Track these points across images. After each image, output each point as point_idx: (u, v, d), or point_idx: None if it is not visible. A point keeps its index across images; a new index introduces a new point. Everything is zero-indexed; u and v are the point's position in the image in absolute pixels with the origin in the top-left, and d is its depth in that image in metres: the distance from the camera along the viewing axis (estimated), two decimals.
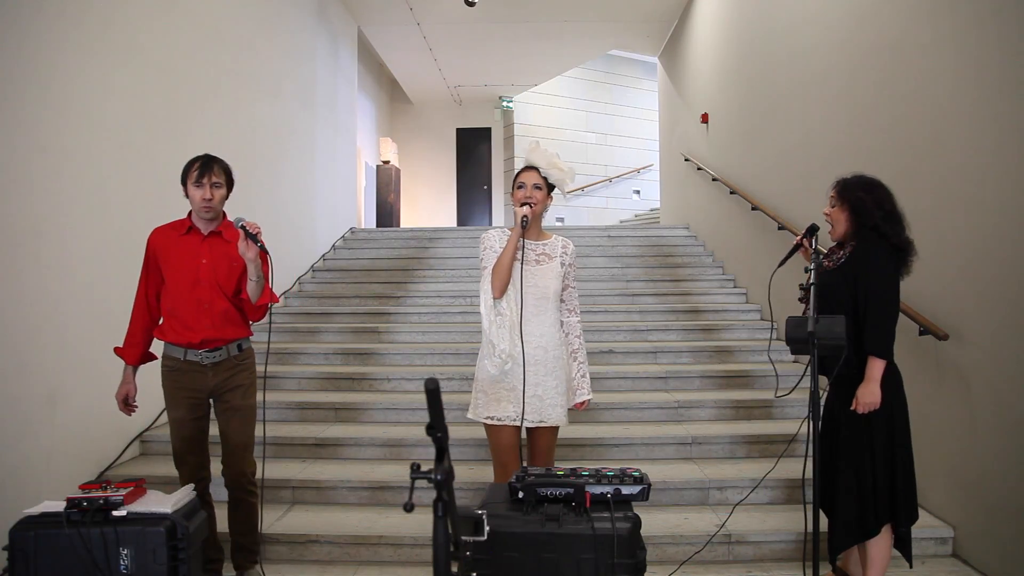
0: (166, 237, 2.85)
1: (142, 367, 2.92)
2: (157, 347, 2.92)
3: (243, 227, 2.70)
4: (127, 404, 2.88)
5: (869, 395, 2.62)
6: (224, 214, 2.93)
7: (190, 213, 2.87)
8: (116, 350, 2.89)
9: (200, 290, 2.79)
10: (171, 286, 2.80)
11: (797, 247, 2.88)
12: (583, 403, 2.90)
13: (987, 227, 3.06)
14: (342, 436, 4.20)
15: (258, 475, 2.97)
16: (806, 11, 4.98)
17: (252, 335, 2.98)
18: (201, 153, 2.88)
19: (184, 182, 2.82)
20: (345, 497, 3.74)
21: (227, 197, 2.87)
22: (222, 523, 2.99)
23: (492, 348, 2.77)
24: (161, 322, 2.87)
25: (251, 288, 2.77)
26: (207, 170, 2.78)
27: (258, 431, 2.96)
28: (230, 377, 2.86)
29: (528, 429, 2.84)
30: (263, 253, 2.70)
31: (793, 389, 2.98)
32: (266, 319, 2.90)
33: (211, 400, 2.89)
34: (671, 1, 8.66)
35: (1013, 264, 2.90)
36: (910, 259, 2.73)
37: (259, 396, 2.94)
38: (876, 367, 2.62)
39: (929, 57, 3.47)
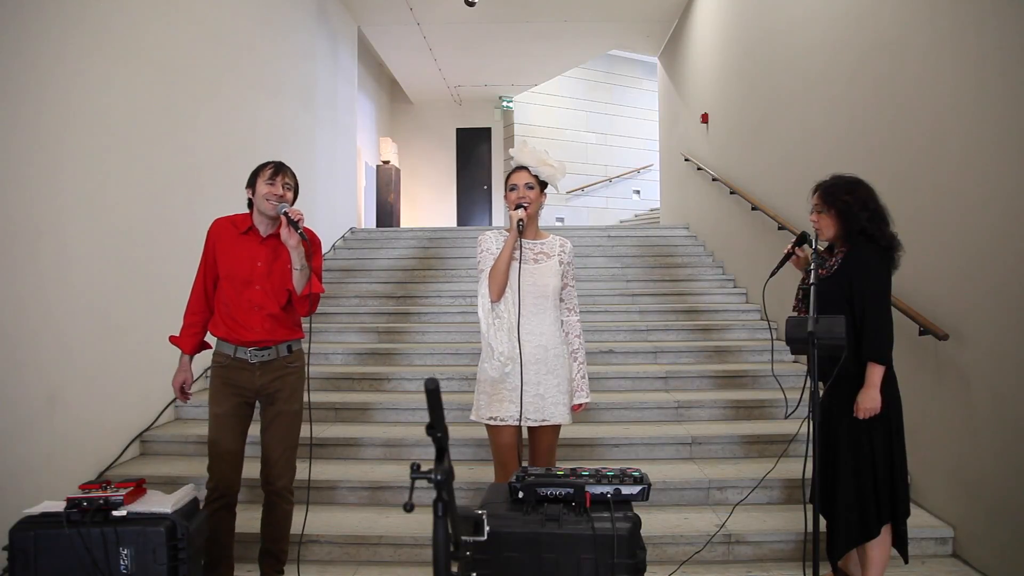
0: (225, 231, 2.85)
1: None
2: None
3: (285, 214, 2.70)
4: (183, 392, 2.87)
5: (870, 401, 2.62)
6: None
7: (251, 213, 2.87)
8: (172, 339, 2.87)
9: (252, 292, 2.78)
10: (225, 284, 2.80)
11: (788, 256, 2.87)
12: (581, 406, 2.90)
13: (987, 227, 3.06)
14: (342, 436, 4.20)
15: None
16: (806, 11, 4.98)
17: (303, 336, 2.94)
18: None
19: (253, 183, 2.83)
20: (345, 497, 3.74)
21: (292, 204, 2.86)
22: (241, 529, 2.96)
23: (491, 351, 2.76)
24: (213, 315, 2.86)
25: (295, 277, 2.75)
26: (280, 171, 2.83)
27: (304, 431, 2.92)
28: (277, 379, 2.82)
29: (530, 429, 2.84)
30: (305, 243, 2.70)
31: (794, 411, 2.94)
32: (304, 322, 2.86)
33: (257, 403, 2.87)
34: (671, 1, 8.66)
35: (1013, 264, 2.90)
36: (897, 255, 2.74)
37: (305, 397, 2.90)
38: (876, 373, 2.62)
39: (929, 57, 3.47)
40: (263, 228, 2.84)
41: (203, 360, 2.95)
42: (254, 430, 2.90)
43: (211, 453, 2.82)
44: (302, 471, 2.99)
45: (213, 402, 2.83)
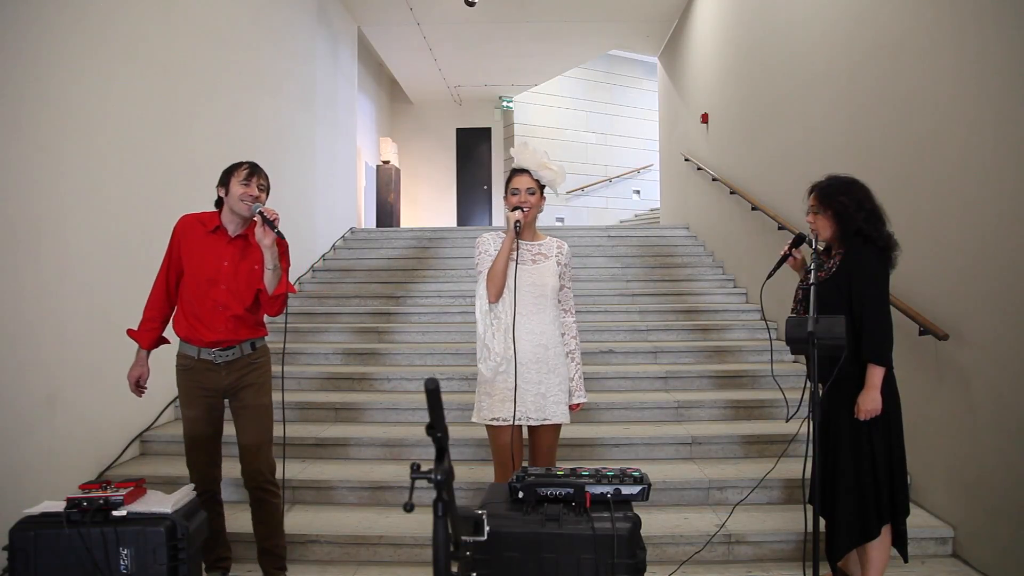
0: (192, 229, 2.82)
1: (151, 360, 2.89)
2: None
3: (261, 212, 2.69)
4: (138, 386, 2.86)
5: (870, 402, 2.62)
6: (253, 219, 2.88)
7: (219, 212, 2.84)
8: (129, 332, 2.86)
9: (217, 292, 2.76)
10: (189, 282, 2.77)
11: (785, 258, 2.86)
12: (577, 406, 2.91)
13: (987, 227, 3.06)
14: (342, 436, 4.20)
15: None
16: (806, 11, 4.98)
17: (267, 335, 2.95)
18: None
19: (226, 182, 2.80)
20: (345, 497, 3.74)
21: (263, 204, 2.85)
22: (234, 522, 2.98)
23: (487, 352, 2.79)
24: (176, 313, 2.84)
25: (267, 277, 2.74)
26: (256, 172, 2.81)
27: (289, 430, 2.94)
28: (243, 375, 2.83)
29: (530, 429, 2.85)
30: (280, 240, 2.69)
31: (795, 414, 2.91)
32: (279, 319, 2.86)
33: (226, 400, 2.88)
34: (671, 1, 8.66)
35: (1013, 264, 2.90)
36: (895, 255, 2.74)
37: (276, 396, 2.93)
38: (876, 374, 2.62)
39: (929, 57, 3.47)
40: (232, 228, 2.82)
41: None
42: (231, 429, 2.91)
43: (188, 453, 2.85)
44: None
45: (184, 404, 2.85)
